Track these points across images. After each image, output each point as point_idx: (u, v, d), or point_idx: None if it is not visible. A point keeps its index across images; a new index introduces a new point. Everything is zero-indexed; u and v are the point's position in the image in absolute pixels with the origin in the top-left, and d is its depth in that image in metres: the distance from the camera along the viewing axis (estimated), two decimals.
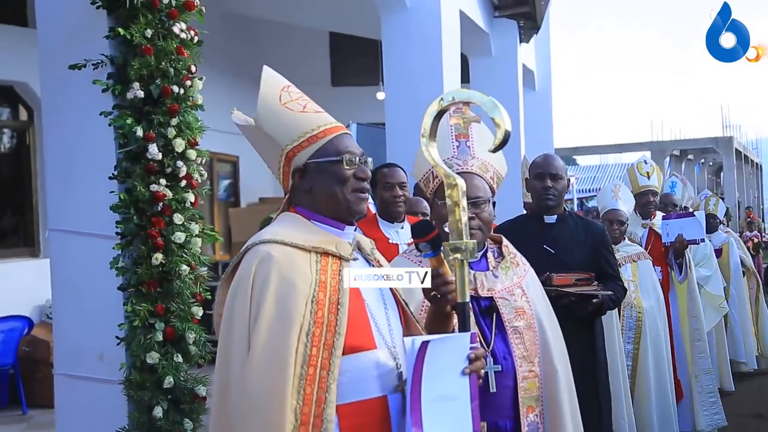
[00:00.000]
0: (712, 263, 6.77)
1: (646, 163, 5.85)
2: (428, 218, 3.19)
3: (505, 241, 2.74)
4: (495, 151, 2.11)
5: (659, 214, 5.86)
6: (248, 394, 1.86)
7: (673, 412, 5.00)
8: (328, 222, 2.07)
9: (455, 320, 2.13)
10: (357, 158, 2.07)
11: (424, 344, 1.91)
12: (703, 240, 5.83)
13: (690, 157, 30.11)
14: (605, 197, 5.20)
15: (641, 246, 5.49)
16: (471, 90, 2.18)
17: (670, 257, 5.57)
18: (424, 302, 2.27)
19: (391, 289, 2.14)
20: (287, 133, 2.06)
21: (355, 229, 2.15)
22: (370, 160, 2.12)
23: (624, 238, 5.19)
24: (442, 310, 2.10)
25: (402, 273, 2.05)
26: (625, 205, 5.11)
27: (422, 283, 2.03)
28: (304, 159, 2.05)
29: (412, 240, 2.41)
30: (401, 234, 4.25)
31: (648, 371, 4.86)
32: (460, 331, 2.05)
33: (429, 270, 2.04)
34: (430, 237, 2.05)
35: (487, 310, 2.52)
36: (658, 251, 5.59)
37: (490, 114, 2.07)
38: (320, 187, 2.05)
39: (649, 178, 5.75)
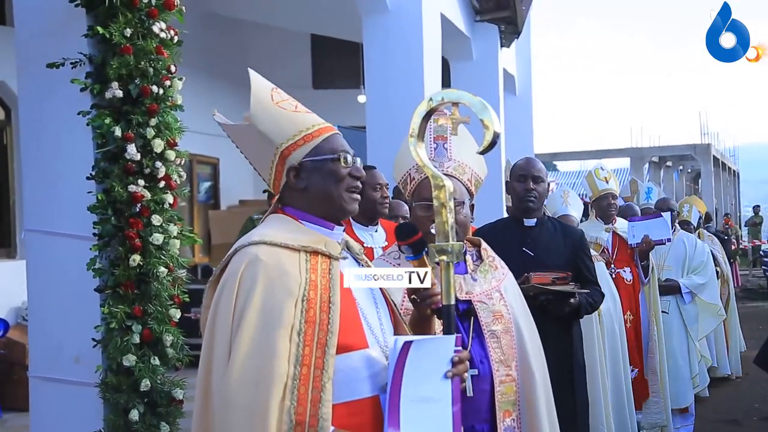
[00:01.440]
0: (708, 271, 6.70)
1: (602, 169, 5.90)
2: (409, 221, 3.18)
3: (484, 245, 2.74)
4: (484, 152, 2.11)
5: (620, 219, 5.91)
6: (230, 398, 1.83)
7: (628, 413, 5.05)
8: (317, 222, 2.06)
9: (436, 324, 2.13)
10: (351, 157, 2.08)
11: (407, 344, 1.90)
12: (669, 240, 5.84)
13: (669, 163, 30.33)
14: (555, 203, 5.23)
15: (608, 251, 5.52)
16: (461, 91, 2.16)
17: (635, 259, 5.61)
18: (403, 301, 2.26)
19: (381, 289, 2.13)
20: (282, 131, 2.05)
21: (344, 230, 2.15)
22: (359, 159, 2.12)
23: None
24: (422, 314, 2.10)
25: (402, 273, 2.03)
26: (575, 210, 5.15)
27: (422, 282, 2.02)
28: (299, 157, 2.04)
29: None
30: (375, 237, 4.24)
31: (605, 372, 4.89)
32: (444, 334, 2.04)
33: (429, 269, 2.03)
34: (413, 240, 2.05)
35: (465, 313, 2.52)
36: (625, 254, 5.63)
37: (480, 115, 2.05)
38: (316, 185, 2.05)
39: (607, 182, 5.79)
